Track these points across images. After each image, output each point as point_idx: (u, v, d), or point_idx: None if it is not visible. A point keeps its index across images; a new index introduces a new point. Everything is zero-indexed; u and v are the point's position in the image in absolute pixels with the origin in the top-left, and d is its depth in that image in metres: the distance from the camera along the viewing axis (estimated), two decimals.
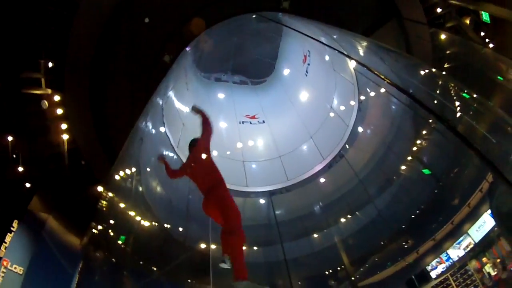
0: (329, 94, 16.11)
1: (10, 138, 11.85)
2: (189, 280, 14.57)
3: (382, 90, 13.17)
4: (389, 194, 15.39)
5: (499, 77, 12.41)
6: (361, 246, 15.91)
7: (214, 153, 15.30)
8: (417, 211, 15.06)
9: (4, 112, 11.82)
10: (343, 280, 15.98)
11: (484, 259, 13.99)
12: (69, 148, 13.00)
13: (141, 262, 13.03)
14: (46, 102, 12.18)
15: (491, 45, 13.77)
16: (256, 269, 15.31)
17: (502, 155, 9.54)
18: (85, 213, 12.40)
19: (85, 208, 12.65)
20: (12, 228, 11.75)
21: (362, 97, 14.92)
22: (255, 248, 15.76)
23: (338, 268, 16.14)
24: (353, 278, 15.64)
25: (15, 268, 11.51)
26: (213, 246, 13.43)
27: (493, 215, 12.44)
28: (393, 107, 14.31)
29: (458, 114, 11.15)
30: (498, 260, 13.08)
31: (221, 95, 17.83)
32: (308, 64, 16.38)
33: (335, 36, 13.79)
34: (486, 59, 13.07)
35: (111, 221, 12.11)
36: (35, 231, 12.63)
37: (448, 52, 13.90)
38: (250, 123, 16.95)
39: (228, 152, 16.25)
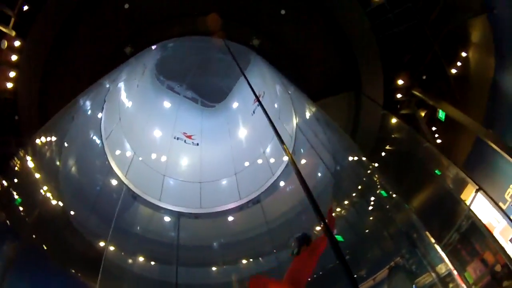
0: (266, 140, 16.71)
1: None
2: (73, 271, 14.20)
3: (314, 154, 13.91)
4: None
5: (436, 171, 12.97)
6: None
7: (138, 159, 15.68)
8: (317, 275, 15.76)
9: None
10: None
11: None
12: (8, 98, 12.60)
13: (34, 236, 12.60)
14: (6, 43, 11.84)
15: (438, 141, 14.50)
16: (148, 285, 15.35)
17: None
18: None
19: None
20: None
21: (296, 152, 15.49)
22: (152, 263, 15.94)
23: None
24: None
25: None
26: (111, 248, 13.44)
27: None
28: (320, 173, 15.00)
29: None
30: None
31: (167, 104, 18.06)
32: (258, 105, 16.94)
33: (289, 92, 14.54)
34: (426, 153, 13.40)
35: (15, 180, 11.93)
36: None
37: (393, 136, 14.55)
38: (185, 141, 17.23)
39: (149, 162, 16.55)
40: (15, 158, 11.68)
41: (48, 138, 12.31)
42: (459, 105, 12.89)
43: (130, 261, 15.53)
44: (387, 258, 11.91)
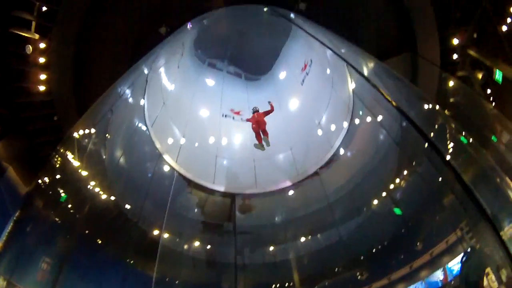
0: (320, 110, 16.40)
1: None
2: (130, 261, 14.65)
3: (375, 119, 13.45)
4: (354, 223, 15.71)
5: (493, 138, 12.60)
6: (315, 268, 16.13)
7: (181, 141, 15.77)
8: (379, 247, 15.41)
9: None
10: None
11: None
12: (44, 100, 13.18)
13: (87, 231, 13.07)
14: (31, 47, 12.28)
15: (493, 104, 14.00)
16: (205, 267, 15.61)
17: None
18: None
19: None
20: None
21: (354, 121, 15.17)
22: (208, 246, 15.95)
23: (287, 284, 16.44)
24: None
25: None
26: (166, 235, 13.71)
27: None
28: (381, 139, 14.57)
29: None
30: None
31: (210, 82, 18.11)
32: (307, 74, 16.73)
33: (342, 50, 14.05)
34: (490, 117, 13.17)
35: (58, 176, 12.26)
36: None
37: (452, 99, 14.13)
38: (233, 118, 17.19)
39: (200, 144, 16.72)
40: (57, 156, 12.05)
41: (87, 131, 12.54)
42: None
43: (186, 246, 15.78)
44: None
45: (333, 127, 16.03)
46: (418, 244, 13.96)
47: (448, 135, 11.38)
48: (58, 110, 13.31)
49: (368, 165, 14.93)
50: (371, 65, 13.59)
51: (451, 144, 11.30)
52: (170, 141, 16.10)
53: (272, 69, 18.49)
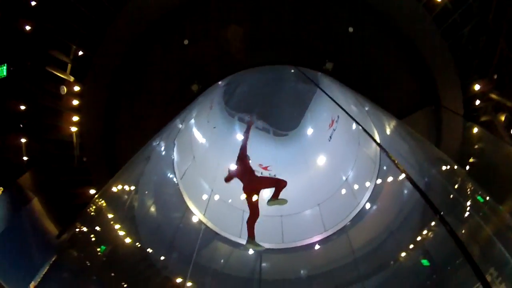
0: (347, 166, 17.02)
1: (22, 107, 12.60)
2: None
3: (401, 176, 13.83)
4: (382, 278, 15.82)
5: None
6: None
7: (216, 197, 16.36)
8: None
9: (23, 82, 12.51)
10: None
11: None
12: (74, 142, 13.86)
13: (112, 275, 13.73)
14: (65, 88, 13.09)
15: None
16: None
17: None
18: (70, 208, 13.47)
19: (71, 204, 13.76)
20: None
21: (379, 180, 15.69)
22: None
23: None
24: None
25: None
26: (188, 284, 14.14)
27: None
28: (407, 195, 14.89)
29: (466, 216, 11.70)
30: None
31: (239, 137, 18.78)
32: (334, 130, 17.48)
33: (366, 108, 14.70)
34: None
35: (96, 228, 13.07)
36: (16, 206, 13.01)
37: (476, 147, 14.18)
38: (261, 173, 17.56)
39: (230, 200, 17.26)
40: (92, 205, 12.76)
41: (123, 184, 13.41)
42: None
43: None
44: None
45: (360, 183, 16.53)
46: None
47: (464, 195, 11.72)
48: (86, 152, 14.15)
49: (394, 221, 15.25)
50: (392, 125, 14.34)
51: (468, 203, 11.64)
52: (198, 194, 16.95)
53: (299, 125, 19.34)
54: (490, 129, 13.58)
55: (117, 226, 13.75)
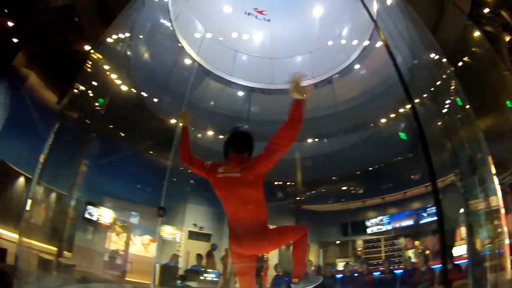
0: (343, 22, 17.20)
1: None
2: (151, 152, 16.93)
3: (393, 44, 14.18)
4: (359, 137, 17.68)
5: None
6: (314, 172, 18.41)
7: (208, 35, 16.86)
8: (378, 166, 17.27)
9: None
10: (290, 195, 18.77)
11: (416, 243, 16.48)
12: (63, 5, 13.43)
13: (111, 126, 14.98)
14: None
15: None
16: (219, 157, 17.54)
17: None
18: (68, 70, 13.84)
19: (69, 65, 14.11)
20: None
21: (371, 42, 16.09)
22: (220, 136, 17.95)
23: (288, 183, 18.81)
24: (298, 198, 18.47)
25: None
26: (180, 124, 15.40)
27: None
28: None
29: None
30: (427, 252, 14.76)
31: None
32: None
33: None
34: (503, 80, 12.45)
35: (94, 83, 13.58)
36: (15, 88, 13.59)
37: (472, 50, 13.31)
38: (256, 17, 17.59)
39: (221, 38, 17.81)
40: (88, 61, 12.82)
41: (117, 33, 13.65)
42: None
43: (199, 135, 17.97)
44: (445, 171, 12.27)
45: (352, 41, 17.02)
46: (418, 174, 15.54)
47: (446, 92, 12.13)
48: (78, 9, 13.75)
49: (379, 85, 16.24)
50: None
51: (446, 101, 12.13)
52: (192, 35, 17.31)
53: None
54: (492, 43, 13.09)
55: (113, 76, 14.60)
